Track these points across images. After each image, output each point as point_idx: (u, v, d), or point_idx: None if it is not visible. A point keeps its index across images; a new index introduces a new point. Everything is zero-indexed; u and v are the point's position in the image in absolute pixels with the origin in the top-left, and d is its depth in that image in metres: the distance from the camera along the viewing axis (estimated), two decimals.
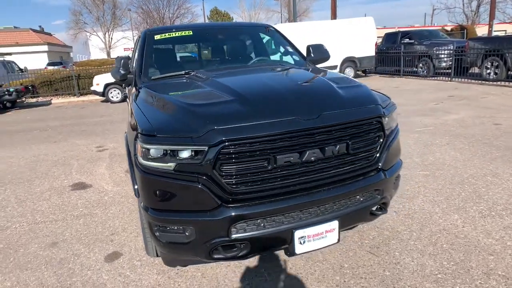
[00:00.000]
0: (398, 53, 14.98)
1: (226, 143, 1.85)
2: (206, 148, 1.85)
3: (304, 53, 3.72)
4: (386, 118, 2.28)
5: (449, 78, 12.39)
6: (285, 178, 1.99)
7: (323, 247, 2.18)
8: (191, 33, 3.45)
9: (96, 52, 42.88)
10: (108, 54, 43.52)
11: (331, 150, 2.03)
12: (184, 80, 2.77)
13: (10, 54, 19.03)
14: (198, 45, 3.66)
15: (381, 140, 2.25)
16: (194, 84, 2.58)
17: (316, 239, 2.10)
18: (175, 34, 3.42)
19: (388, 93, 2.66)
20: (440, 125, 6.15)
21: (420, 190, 3.54)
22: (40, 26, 46.23)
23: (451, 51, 12.53)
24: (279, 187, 1.99)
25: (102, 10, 51.41)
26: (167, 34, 3.40)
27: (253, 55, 3.55)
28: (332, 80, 2.54)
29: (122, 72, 3.07)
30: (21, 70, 18.11)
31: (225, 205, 1.92)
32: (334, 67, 14.58)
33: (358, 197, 2.21)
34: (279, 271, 2.43)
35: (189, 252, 2.04)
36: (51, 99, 14.77)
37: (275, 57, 3.70)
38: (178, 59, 3.38)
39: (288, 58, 3.62)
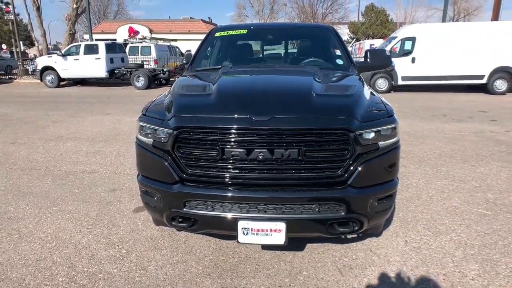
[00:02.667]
0: None
1: (183, 129, 2.17)
2: (170, 131, 2.21)
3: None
4: (364, 133, 2.14)
5: None
6: (234, 171, 2.17)
7: (267, 244, 2.28)
8: (246, 32, 3.78)
9: None
10: None
11: (281, 153, 2.09)
12: (209, 74, 3.15)
13: (175, 40, 23.06)
14: (250, 44, 3.95)
15: (349, 154, 2.13)
16: (209, 77, 2.93)
17: (260, 234, 2.21)
18: (232, 32, 3.82)
19: None
20: None
21: (458, 229, 2.99)
22: (209, 18, 53.85)
23: None
24: (228, 177, 2.19)
25: (262, 5, 56.11)
26: (225, 32, 3.84)
27: (302, 56, 3.62)
28: (326, 87, 2.49)
29: (183, 62, 3.70)
30: (181, 54, 21.95)
31: (181, 182, 2.26)
32: (480, 77, 12.33)
33: (313, 206, 2.19)
34: (243, 257, 2.62)
35: (158, 214, 2.47)
36: None
37: (325, 59, 3.65)
38: (227, 55, 3.77)
39: (336, 61, 3.55)
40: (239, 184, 2.19)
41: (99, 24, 45.39)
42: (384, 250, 2.70)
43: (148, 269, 2.50)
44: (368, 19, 46.21)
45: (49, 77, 15.24)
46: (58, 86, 15.46)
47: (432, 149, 5.47)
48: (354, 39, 29.39)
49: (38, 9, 19.86)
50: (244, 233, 2.22)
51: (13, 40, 21.99)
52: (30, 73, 19.14)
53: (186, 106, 2.32)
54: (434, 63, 12.26)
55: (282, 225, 2.17)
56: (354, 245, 2.77)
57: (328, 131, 2.10)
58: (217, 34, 3.84)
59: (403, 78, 12.74)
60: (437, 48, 12.20)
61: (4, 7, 23.18)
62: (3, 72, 22.60)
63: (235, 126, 2.10)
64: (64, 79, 15.68)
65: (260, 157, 2.10)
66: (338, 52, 3.59)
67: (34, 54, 22.47)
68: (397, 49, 12.85)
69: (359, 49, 19.94)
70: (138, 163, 2.54)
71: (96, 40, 19.32)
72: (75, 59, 14.83)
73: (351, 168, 2.16)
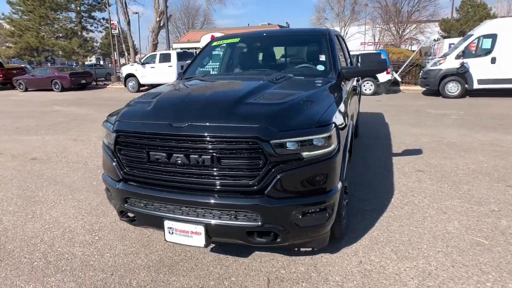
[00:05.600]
0: None
1: (119, 133, 2.41)
2: (114, 134, 2.48)
3: None
4: (280, 143, 2.09)
5: None
6: (160, 173, 2.33)
7: (189, 245, 2.38)
8: (238, 41, 3.89)
9: None
10: None
11: (196, 159, 2.18)
12: (186, 81, 3.35)
13: None
14: (237, 52, 4.02)
15: (263, 163, 2.11)
16: (178, 85, 3.13)
17: (182, 235, 2.34)
18: (226, 41, 3.97)
19: None
20: None
21: (432, 256, 2.64)
22: (286, 23, 54.41)
23: None
24: (155, 179, 2.36)
25: (342, 6, 54.71)
26: (220, 41, 4.01)
27: (283, 63, 3.59)
28: (265, 95, 2.48)
29: (181, 70, 4.00)
30: None
31: (124, 181, 2.51)
32: None
33: (231, 213, 2.22)
34: (188, 256, 2.75)
35: (115, 208, 2.76)
36: None
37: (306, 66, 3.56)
38: (216, 63, 3.92)
39: (316, 67, 3.44)
40: (164, 185, 2.34)
41: (186, 34, 49.52)
42: (330, 267, 2.55)
43: (104, 256, 2.80)
44: (463, 15, 41.18)
45: (131, 83, 17.35)
46: (138, 91, 17.46)
47: (468, 164, 4.78)
48: (437, 38, 26.58)
49: (129, 23, 22.85)
50: (169, 233, 2.36)
51: (115, 50, 25.66)
52: (120, 79, 21.98)
53: (127, 113, 2.56)
54: None
55: (201, 228, 2.25)
56: (302, 259, 2.67)
57: (239, 139, 2.11)
58: (214, 43, 4.03)
59: (480, 81, 11.18)
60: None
61: (108, 23, 26.99)
62: (103, 78, 26.45)
63: (156, 132, 2.26)
64: (143, 85, 17.64)
65: (179, 161, 2.22)
66: (323, 58, 3.46)
67: (123, 63, 25.66)
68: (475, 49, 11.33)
69: (438, 49, 18.01)
70: (102, 162, 2.88)
71: (181, 49, 21.27)
72: (151, 67, 16.61)
73: (267, 177, 2.13)
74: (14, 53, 31.87)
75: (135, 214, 2.50)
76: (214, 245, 2.88)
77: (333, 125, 2.29)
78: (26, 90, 20.47)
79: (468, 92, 11.72)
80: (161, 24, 21.38)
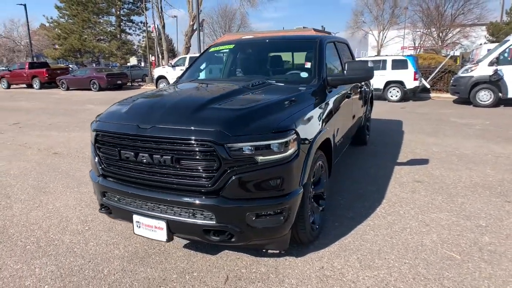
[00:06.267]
0: None
1: (97, 132, 2.64)
2: (94, 133, 2.72)
3: None
4: (235, 147, 2.20)
5: None
6: (129, 170, 2.53)
7: (153, 239, 2.55)
8: (233, 47, 4.03)
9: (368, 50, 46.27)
10: (378, 52, 45.45)
11: (158, 159, 2.35)
12: (173, 86, 3.54)
13: None
14: (234, 58, 4.15)
15: (218, 166, 2.23)
16: (160, 89, 3.33)
17: (148, 229, 2.52)
18: (223, 47, 4.13)
19: None
20: None
21: (397, 267, 2.61)
22: (322, 26, 53.82)
23: None
24: (125, 176, 2.56)
25: (381, 10, 53.23)
26: (217, 47, 4.18)
27: (270, 70, 3.69)
28: (233, 101, 2.60)
29: (180, 74, 4.23)
30: None
31: (103, 176, 2.74)
32: None
33: (189, 211, 2.36)
34: (161, 250, 2.93)
35: (97, 201, 3.00)
36: None
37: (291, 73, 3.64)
38: (207, 68, 4.08)
39: (300, 75, 3.50)
40: (133, 182, 2.53)
41: (222, 36, 50.58)
42: (290, 270, 2.61)
43: (88, 244, 3.06)
44: None
45: (161, 85, 18.09)
46: None
47: (473, 176, 4.57)
48: (484, 43, 25.13)
49: (164, 27, 23.88)
50: (137, 226, 2.55)
51: (151, 53, 26.96)
52: (153, 81, 22.99)
53: (106, 114, 2.79)
54: None
55: (163, 224, 2.42)
56: (265, 260, 2.75)
57: (195, 142, 2.25)
58: (211, 49, 4.21)
59: None
60: None
61: (145, 26, 28.28)
62: (140, 79, 27.74)
63: (126, 132, 2.46)
64: None
65: (144, 160, 2.40)
66: (308, 65, 3.52)
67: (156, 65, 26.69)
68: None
69: (476, 55, 17.04)
70: (90, 160, 3.13)
71: None
72: (181, 69, 17.23)
73: (222, 179, 2.25)
74: (59, 55, 34.53)
75: (110, 207, 2.72)
76: (188, 241, 3.04)
77: (293, 131, 2.37)
78: (67, 89, 21.99)
79: (503, 101, 11.05)
80: (194, 28, 22.13)
